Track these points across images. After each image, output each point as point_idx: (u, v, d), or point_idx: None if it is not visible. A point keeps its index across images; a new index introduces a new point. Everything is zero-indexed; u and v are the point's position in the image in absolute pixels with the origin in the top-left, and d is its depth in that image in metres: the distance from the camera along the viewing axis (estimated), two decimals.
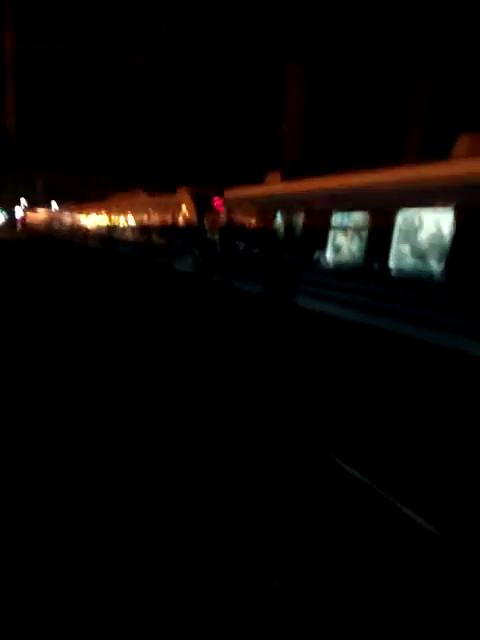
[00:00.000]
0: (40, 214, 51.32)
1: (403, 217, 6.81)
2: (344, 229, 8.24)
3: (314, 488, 4.59)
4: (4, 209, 59.57)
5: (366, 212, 7.44)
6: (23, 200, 62.32)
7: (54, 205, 46.39)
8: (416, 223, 6.90)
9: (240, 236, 11.92)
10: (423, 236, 6.84)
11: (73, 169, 46.34)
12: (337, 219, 8.16)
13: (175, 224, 16.85)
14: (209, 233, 14.91)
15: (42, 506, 4.00)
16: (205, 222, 15.24)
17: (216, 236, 14.09)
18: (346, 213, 8.11)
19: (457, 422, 5.70)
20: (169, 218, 17.40)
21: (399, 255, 6.87)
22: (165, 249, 17.32)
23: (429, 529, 3.92)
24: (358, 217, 7.83)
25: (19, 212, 62.23)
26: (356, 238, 8.05)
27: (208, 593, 3.23)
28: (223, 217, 13.13)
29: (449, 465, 5.03)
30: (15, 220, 59.34)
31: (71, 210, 36.90)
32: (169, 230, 17.30)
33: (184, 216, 16.13)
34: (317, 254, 8.54)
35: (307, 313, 8.98)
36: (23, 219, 59.57)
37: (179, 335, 10.44)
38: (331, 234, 8.19)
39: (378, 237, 7.11)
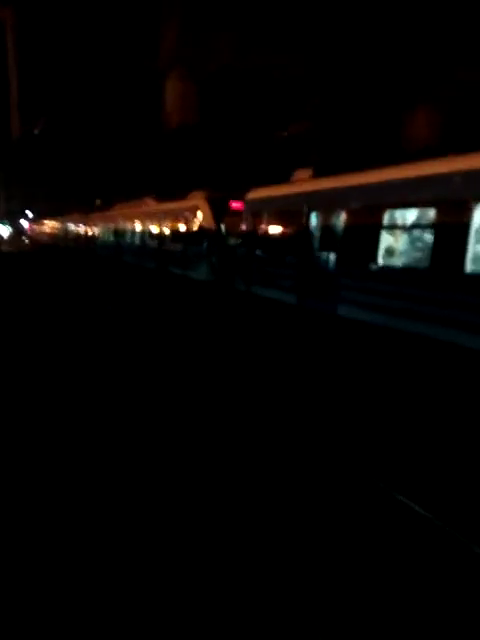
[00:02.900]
0: (45, 225, 50.74)
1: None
2: (398, 228, 7.21)
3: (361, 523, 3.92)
4: (9, 222, 59.26)
5: (429, 207, 6.40)
6: (28, 212, 61.94)
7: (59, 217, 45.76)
8: None
9: (266, 240, 10.94)
10: None
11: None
12: (390, 217, 7.12)
13: (189, 231, 15.97)
14: (228, 238, 14.00)
15: None
16: (222, 227, 14.37)
17: (236, 241, 13.18)
18: (401, 209, 7.08)
19: None
20: (183, 225, 16.53)
21: (476, 256, 5.84)
22: (179, 257, 16.40)
23: None
24: (417, 214, 6.80)
25: (25, 224, 61.89)
26: (414, 238, 7.02)
27: None
28: (244, 220, 12.17)
29: None
30: (21, 232, 59.06)
31: (76, 220, 36.14)
32: (183, 237, 16.40)
33: (199, 221, 15.24)
34: (364, 258, 7.53)
35: (351, 324, 7.97)
36: (29, 230, 59.20)
37: (199, 345, 9.47)
38: (382, 235, 7.15)
39: (447, 237, 6.08)
